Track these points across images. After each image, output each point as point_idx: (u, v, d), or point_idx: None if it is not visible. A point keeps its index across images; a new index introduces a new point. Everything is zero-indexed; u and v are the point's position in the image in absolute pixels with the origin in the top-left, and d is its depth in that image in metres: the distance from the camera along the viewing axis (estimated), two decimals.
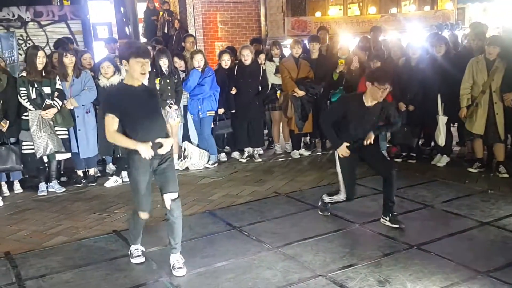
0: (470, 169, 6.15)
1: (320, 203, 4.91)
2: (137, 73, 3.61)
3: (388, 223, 4.54)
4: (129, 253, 4.10)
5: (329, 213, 4.85)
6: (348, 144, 4.43)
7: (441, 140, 6.33)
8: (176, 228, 3.82)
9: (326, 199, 4.85)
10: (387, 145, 7.06)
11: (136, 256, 4.04)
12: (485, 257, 3.87)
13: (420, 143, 7.02)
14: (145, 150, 3.59)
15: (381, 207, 4.65)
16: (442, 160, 6.49)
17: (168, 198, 3.77)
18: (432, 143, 6.88)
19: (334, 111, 4.86)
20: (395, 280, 3.54)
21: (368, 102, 4.37)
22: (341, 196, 4.65)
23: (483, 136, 5.96)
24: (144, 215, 3.85)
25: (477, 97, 5.88)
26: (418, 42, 7.14)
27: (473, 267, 3.67)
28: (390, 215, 4.55)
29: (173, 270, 3.80)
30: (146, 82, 6.40)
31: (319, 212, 4.88)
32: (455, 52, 6.84)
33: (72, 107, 6.08)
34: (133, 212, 3.98)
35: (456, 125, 6.70)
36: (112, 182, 6.29)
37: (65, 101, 5.99)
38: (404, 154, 6.81)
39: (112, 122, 3.60)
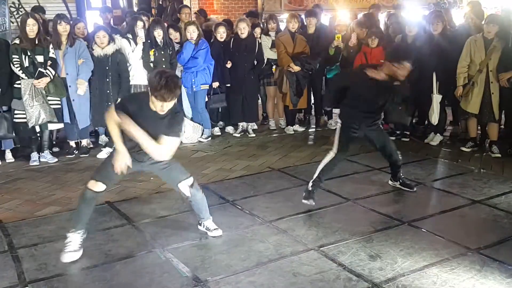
0: (463, 148, 6.18)
1: (304, 193, 4.58)
2: (157, 109, 3.42)
3: (400, 186, 4.87)
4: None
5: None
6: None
7: (435, 118, 6.33)
8: (202, 204, 3.91)
9: (310, 186, 4.59)
10: (381, 122, 7.04)
11: (68, 252, 3.61)
12: (476, 234, 3.92)
13: (414, 121, 7.02)
14: (119, 162, 3.51)
15: (373, 184, 4.68)
16: (435, 139, 6.51)
17: (185, 185, 3.75)
18: (426, 122, 6.89)
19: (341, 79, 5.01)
20: (386, 255, 3.58)
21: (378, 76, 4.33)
22: (330, 154, 4.55)
23: (477, 115, 5.97)
24: (94, 185, 3.61)
25: (474, 76, 5.87)
26: (415, 19, 7.07)
27: (463, 244, 3.71)
28: (401, 180, 4.86)
29: (209, 232, 3.94)
30: (140, 53, 6.40)
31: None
32: (452, 30, 6.80)
33: (84, 89, 6.03)
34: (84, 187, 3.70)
35: (449, 103, 6.71)
36: (105, 153, 6.25)
37: (77, 81, 5.98)
38: (398, 132, 6.82)
39: (115, 113, 3.48)
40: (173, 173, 3.79)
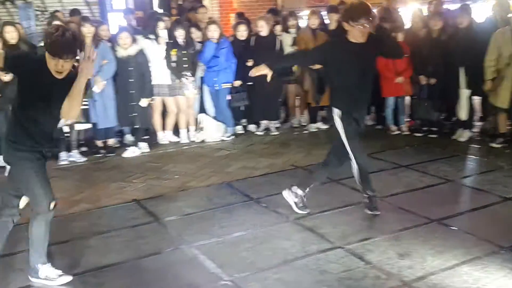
0: (493, 144, 6.03)
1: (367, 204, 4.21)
2: (52, 70, 3.05)
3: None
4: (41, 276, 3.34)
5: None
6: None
7: (463, 114, 6.22)
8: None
9: (299, 191, 4.26)
10: (407, 120, 6.96)
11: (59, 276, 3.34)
12: (508, 232, 3.81)
13: (441, 117, 6.91)
14: None
15: (400, 181, 4.58)
16: (464, 135, 6.38)
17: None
18: (454, 118, 6.77)
19: (316, 50, 4.34)
20: (415, 254, 3.53)
21: (353, 40, 3.85)
22: (354, 166, 4.08)
23: (507, 109, 5.83)
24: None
25: (503, 70, 5.74)
26: (440, 13, 6.95)
27: (495, 242, 3.62)
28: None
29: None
30: (162, 53, 6.42)
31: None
32: (478, 24, 6.67)
33: (101, 87, 6.09)
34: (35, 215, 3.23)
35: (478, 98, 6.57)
36: (131, 152, 6.32)
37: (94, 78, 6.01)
38: (425, 128, 6.71)
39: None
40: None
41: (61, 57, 2.94)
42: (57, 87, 3.04)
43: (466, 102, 6.16)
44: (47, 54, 3.00)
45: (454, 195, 4.71)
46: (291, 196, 4.30)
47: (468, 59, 6.01)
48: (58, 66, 2.98)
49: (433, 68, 6.35)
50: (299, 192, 4.27)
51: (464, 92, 6.14)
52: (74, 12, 8.15)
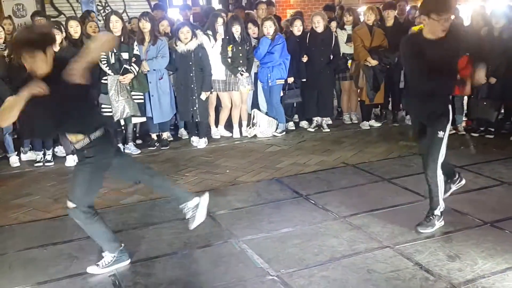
0: None
1: (427, 221, 3.90)
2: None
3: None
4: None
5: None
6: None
7: None
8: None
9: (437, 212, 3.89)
10: (464, 119, 6.77)
11: (94, 265, 3.50)
12: None
13: (499, 117, 6.67)
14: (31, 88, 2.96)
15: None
16: None
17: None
18: None
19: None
20: (466, 256, 3.47)
21: (430, 36, 3.54)
22: (439, 176, 3.81)
23: None
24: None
25: None
26: (502, 10, 6.70)
27: None
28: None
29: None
30: (218, 49, 6.57)
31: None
32: None
33: (145, 71, 6.27)
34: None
35: None
36: (202, 143, 6.52)
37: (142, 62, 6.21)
38: (482, 128, 6.52)
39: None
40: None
41: (18, 53, 3.02)
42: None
43: None
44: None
45: (509, 198, 4.55)
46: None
47: None
48: (26, 65, 3.01)
49: (493, 67, 6.14)
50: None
51: None
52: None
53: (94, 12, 9.68)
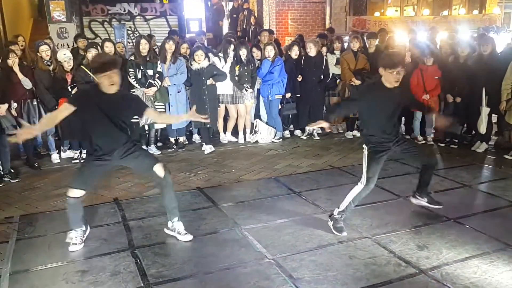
0: (506, 156, 5.78)
1: (331, 222, 3.80)
2: (105, 87, 3.22)
3: (425, 203, 4.09)
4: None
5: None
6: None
7: (483, 128, 5.98)
8: (172, 192, 3.65)
9: (337, 215, 3.80)
10: (432, 131, 6.76)
11: (72, 244, 3.53)
12: None
13: (462, 131, 6.67)
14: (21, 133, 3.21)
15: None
16: (481, 147, 6.14)
17: (159, 167, 3.53)
18: (473, 131, 6.50)
19: (357, 100, 3.89)
20: (432, 246, 3.46)
21: (387, 85, 3.62)
22: (360, 186, 3.75)
23: None
24: (72, 192, 3.40)
25: None
26: (466, 41, 6.71)
27: (503, 240, 3.50)
28: (428, 195, 4.10)
29: (179, 236, 3.64)
30: (228, 69, 6.61)
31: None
32: (499, 52, 6.38)
33: (166, 85, 6.28)
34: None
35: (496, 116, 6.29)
36: (208, 149, 6.46)
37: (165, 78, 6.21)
38: (447, 139, 6.51)
39: (63, 109, 3.26)
40: (146, 160, 3.58)
41: (107, 70, 3.15)
42: (112, 101, 3.30)
43: (485, 118, 5.91)
44: (97, 77, 3.22)
45: (469, 198, 4.54)
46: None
47: (489, 81, 5.78)
48: (108, 81, 3.19)
49: (459, 89, 6.15)
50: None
51: (485, 110, 5.90)
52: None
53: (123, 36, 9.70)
